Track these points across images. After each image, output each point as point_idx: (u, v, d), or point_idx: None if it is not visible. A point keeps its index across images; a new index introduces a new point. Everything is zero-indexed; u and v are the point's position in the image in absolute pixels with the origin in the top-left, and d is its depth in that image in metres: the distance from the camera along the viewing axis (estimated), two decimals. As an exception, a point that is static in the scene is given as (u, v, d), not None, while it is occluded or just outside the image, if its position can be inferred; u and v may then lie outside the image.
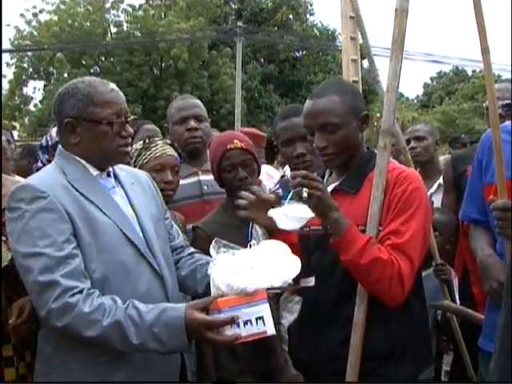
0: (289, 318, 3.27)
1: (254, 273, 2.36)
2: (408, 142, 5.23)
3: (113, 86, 2.64)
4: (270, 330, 2.31)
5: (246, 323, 2.29)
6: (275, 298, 3.26)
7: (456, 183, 4.16)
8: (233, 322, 2.28)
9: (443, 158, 7.11)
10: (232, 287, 2.32)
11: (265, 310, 2.31)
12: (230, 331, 2.29)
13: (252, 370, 3.28)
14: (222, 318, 2.29)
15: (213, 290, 2.38)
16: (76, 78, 2.71)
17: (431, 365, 2.79)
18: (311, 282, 2.62)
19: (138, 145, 3.44)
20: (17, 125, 31.19)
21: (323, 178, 2.83)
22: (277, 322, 3.32)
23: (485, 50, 2.65)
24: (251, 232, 3.19)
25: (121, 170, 2.76)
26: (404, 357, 2.63)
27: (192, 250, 2.93)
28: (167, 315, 2.31)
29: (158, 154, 3.39)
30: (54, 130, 3.81)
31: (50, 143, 3.84)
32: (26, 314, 2.80)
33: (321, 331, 2.72)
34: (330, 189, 2.72)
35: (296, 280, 2.51)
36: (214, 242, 2.51)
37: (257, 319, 2.30)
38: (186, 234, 3.41)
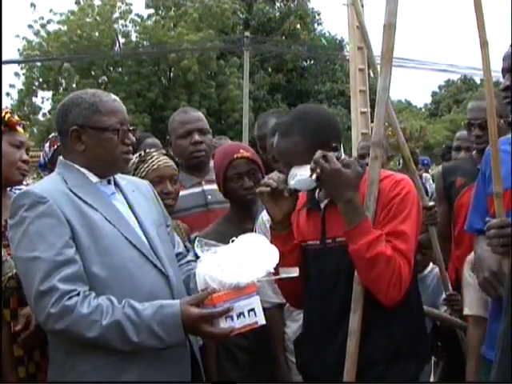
0: (293, 327, 3.29)
1: (240, 267, 2.45)
2: (458, 149, 5.12)
3: (114, 96, 2.72)
4: (261, 320, 2.46)
5: (239, 316, 2.41)
6: (279, 307, 3.28)
7: (446, 194, 4.20)
8: (227, 312, 2.38)
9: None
10: (224, 284, 2.41)
11: (255, 302, 2.45)
12: (224, 324, 2.40)
13: (253, 377, 3.28)
14: (218, 310, 2.38)
15: (200, 287, 2.47)
16: (80, 90, 2.77)
17: (429, 361, 2.86)
18: (294, 272, 2.63)
19: (134, 158, 3.45)
20: (26, 134, 31.27)
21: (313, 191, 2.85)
22: (282, 331, 3.34)
23: (483, 44, 2.68)
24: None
25: (121, 178, 2.81)
26: (408, 356, 2.68)
27: (190, 257, 2.96)
28: (163, 312, 2.39)
29: (154, 167, 3.41)
30: (46, 146, 3.87)
31: (46, 159, 3.89)
32: (34, 326, 2.81)
33: (326, 343, 2.74)
34: (323, 204, 2.78)
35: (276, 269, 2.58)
36: (196, 241, 2.60)
37: (249, 311, 2.43)
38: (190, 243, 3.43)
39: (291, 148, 2.69)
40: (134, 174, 3.38)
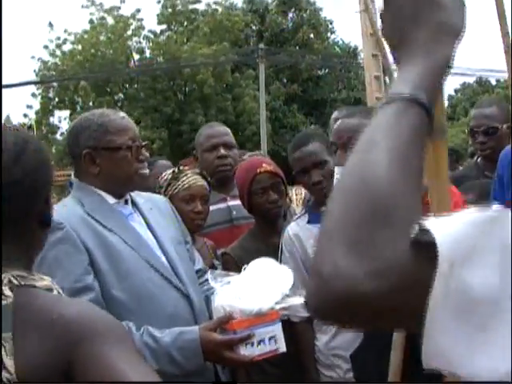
0: (323, 339, 3.27)
1: (258, 294, 2.43)
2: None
3: (123, 113, 2.71)
4: (282, 347, 2.43)
5: (259, 343, 2.37)
6: (308, 321, 3.27)
7: None
8: (248, 339, 2.35)
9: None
10: (245, 311, 2.38)
11: (277, 329, 2.41)
12: (244, 351, 2.36)
13: None
14: (238, 337, 2.35)
15: (216, 316, 2.46)
16: (88, 112, 2.77)
17: None
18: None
19: (168, 174, 3.44)
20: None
21: None
22: (313, 344, 3.32)
23: (507, 50, 2.68)
24: (280, 258, 3.19)
25: (139, 196, 2.79)
26: None
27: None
28: (182, 339, 2.37)
29: (186, 185, 3.37)
30: None
31: None
32: None
33: (386, 354, 2.72)
34: None
35: None
36: (209, 273, 2.60)
37: (270, 338, 2.39)
38: (217, 260, 3.43)
39: (357, 125, 2.61)
40: (165, 190, 3.37)
